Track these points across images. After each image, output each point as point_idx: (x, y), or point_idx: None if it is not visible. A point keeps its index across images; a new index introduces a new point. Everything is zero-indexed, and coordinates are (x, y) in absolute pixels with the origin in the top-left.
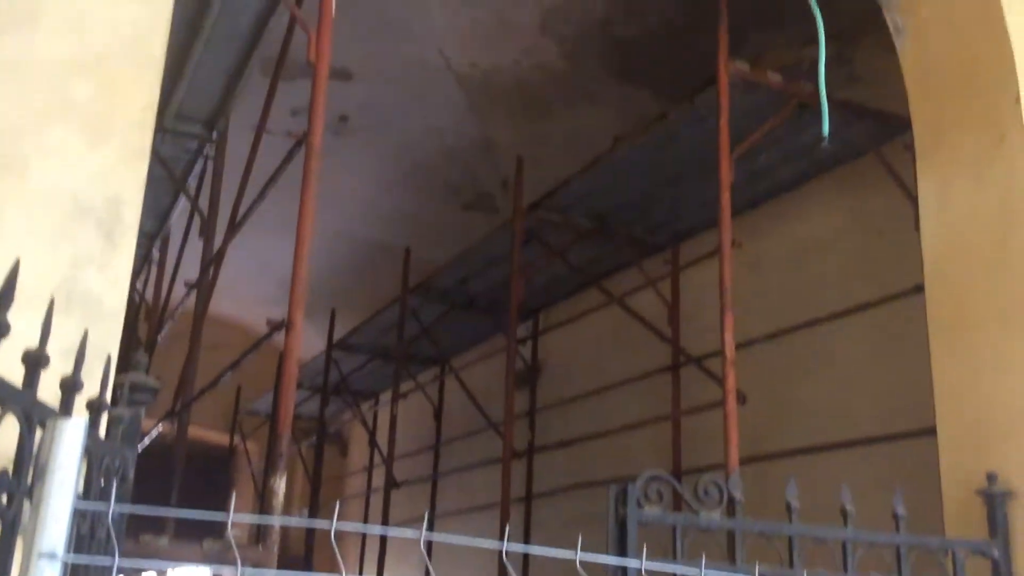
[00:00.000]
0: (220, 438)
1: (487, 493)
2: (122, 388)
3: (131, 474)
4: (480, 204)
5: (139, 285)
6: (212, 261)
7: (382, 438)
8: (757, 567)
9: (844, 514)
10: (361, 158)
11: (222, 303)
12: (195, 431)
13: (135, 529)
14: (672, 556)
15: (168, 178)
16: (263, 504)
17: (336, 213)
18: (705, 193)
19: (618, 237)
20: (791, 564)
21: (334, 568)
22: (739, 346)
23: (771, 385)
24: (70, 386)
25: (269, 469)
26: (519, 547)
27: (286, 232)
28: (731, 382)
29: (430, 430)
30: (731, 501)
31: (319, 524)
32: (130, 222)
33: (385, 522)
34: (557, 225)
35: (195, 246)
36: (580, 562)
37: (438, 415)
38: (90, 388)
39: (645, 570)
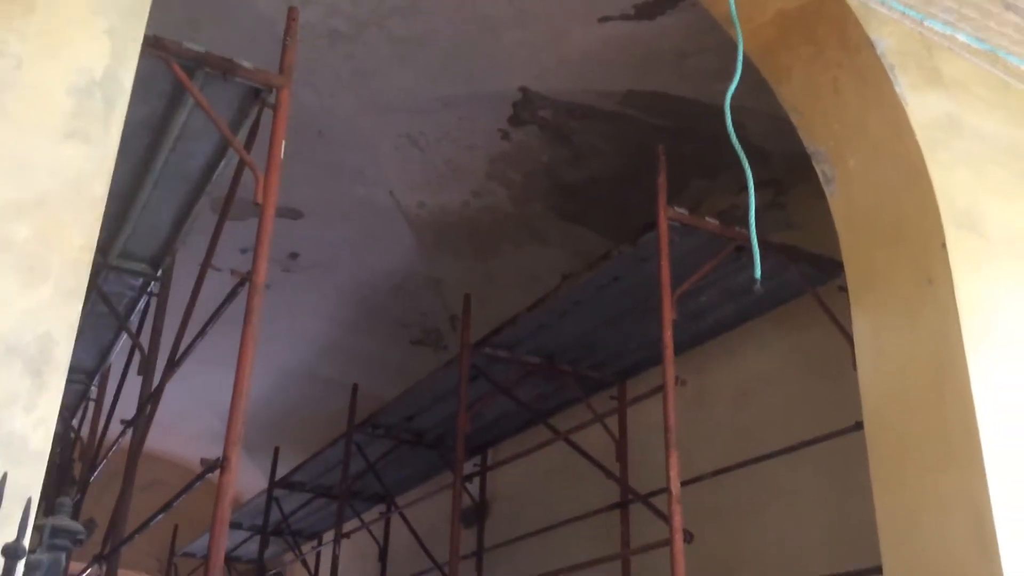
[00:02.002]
0: None
1: None
2: (43, 532)
3: None
4: (428, 340)
5: (75, 422)
6: (150, 399)
7: None
8: None
9: None
10: (310, 294)
11: (160, 440)
12: (129, 574)
13: None
14: None
15: (110, 315)
16: None
17: (283, 349)
18: (649, 331)
19: (565, 374)
20: None
21: None
22: (685, 483)
23: (719, 523)
24: None
25: None
26: None
27: (229, 367)
28: (677, 521)
29: (375, 572)
30: None
31: None
32: (60, 361)
33: None
34: (504, 362)
35: (134, 383)
36: None
37: (383, 556)
38: (9, 532)
39: None
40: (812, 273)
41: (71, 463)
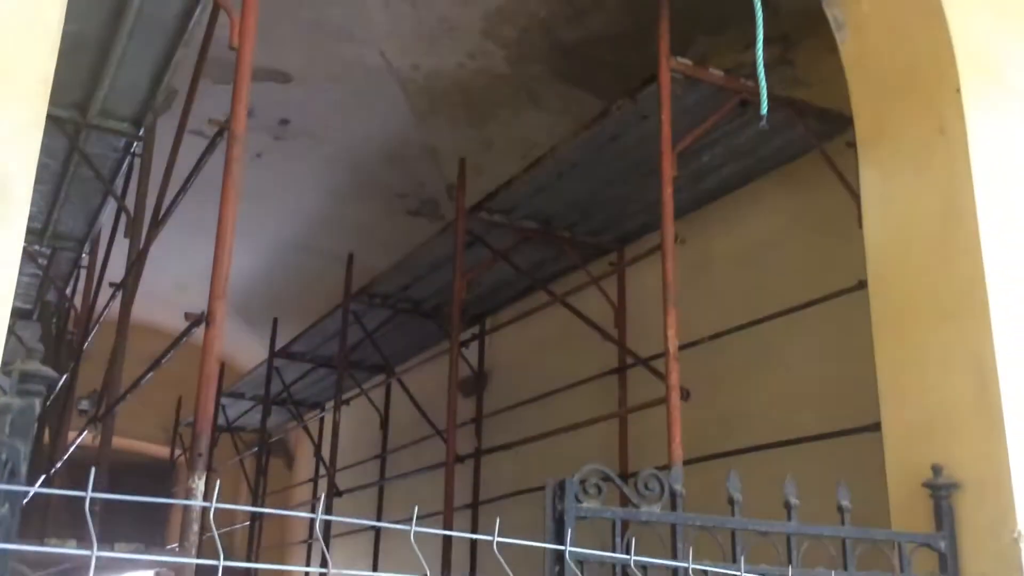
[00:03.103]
0: (161, 451)
1: (434, 501)
2: (10, 375)
3: (23, 468)
4: (425, 210)
5: (68, 292)
6: (136, 260)
7: (329, 448)
8: (691, 555)
9: (788, 507)
10: (302, 164)
11: (159, 314)
12: (135, 444)
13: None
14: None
15: (95, 179)
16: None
17: (278, 220)
18: (649, 194)
19: (563, 239)
20: (734, 559)
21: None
22: (685, 346)
23: (718, 384)
24: None
25: (190, 471)
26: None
27: None
28: (674, 377)
29: (376, 439)
30: (672, 495)
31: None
32: (21, 196)
33: (328, 533)
34: (501, 227)
35: (123, 247)
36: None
37: (384, 423)
38: None
39: (579, 560)
40: (819, 128)
41: (68, 333)
